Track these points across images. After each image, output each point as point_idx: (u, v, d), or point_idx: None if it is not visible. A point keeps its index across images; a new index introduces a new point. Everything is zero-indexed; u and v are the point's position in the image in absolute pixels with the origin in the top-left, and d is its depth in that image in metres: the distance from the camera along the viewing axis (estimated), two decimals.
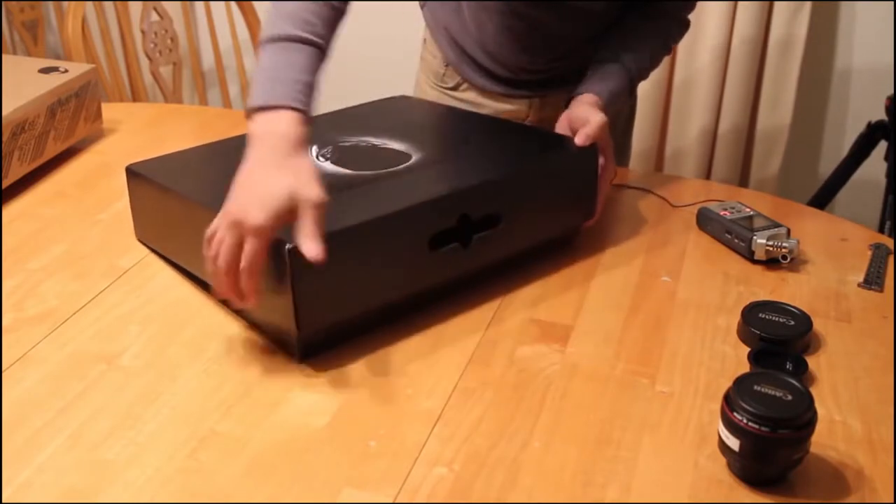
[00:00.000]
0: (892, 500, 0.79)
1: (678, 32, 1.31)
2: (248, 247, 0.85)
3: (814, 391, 0.81)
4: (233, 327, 0.99)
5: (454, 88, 1.44)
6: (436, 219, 0.97)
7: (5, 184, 1.23)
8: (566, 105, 1.20)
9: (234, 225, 0.85)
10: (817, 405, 0.78)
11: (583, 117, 1.12)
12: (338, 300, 0.92)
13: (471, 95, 1.43)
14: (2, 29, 2.58)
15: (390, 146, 1.13)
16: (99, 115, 1.44)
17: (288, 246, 0.86)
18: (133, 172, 1.10)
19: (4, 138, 1.21)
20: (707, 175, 2.28)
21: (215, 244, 0.86)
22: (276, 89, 0.94)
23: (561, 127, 1.17)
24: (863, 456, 0.83)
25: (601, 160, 1.13)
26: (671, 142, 2.29)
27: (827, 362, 0.96)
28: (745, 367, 0.93)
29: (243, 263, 0.85)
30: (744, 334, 0.99)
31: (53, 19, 2.73)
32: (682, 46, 2.18)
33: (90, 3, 2.26)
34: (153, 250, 1.13)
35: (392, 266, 0.95)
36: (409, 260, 0.96)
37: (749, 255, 1.13)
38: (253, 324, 0.99)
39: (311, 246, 0.84)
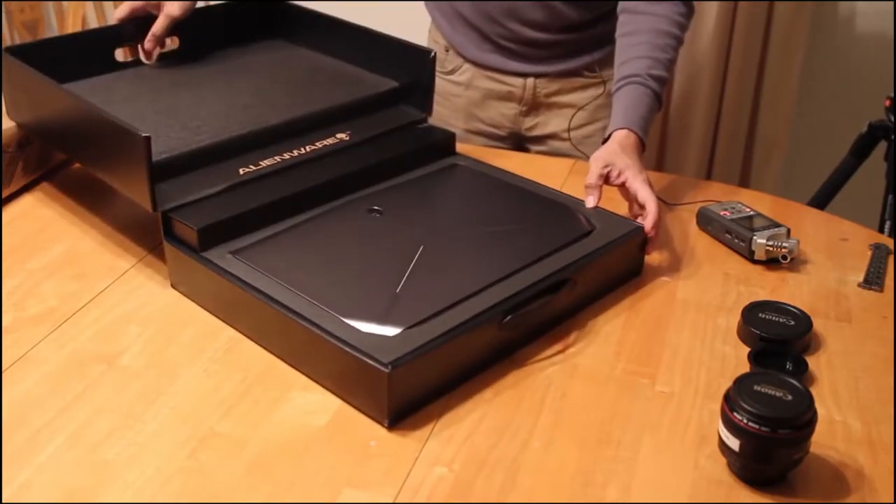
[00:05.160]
0: (892, 501, 0.79)
1: (685, 16, 1.29)
2: None
3: (814, 391, 0.81)
4: (233, 327, 0.99)
5: (451, 73, 1.47)
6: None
7: (6, 193, 1.22)
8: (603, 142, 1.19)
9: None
10: (817, 405, 0.78)
11: (634, 189, 1.12)
12: (421, 385, 0.89)
13: (465, 77, 1.46)
14: (2, 29, 2.58)
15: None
16: None
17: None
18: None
19: (12, 150, 1.21)
20: (707, 175, 2.28)
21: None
22: None
23: (597, 163, 1.14)
24: (863, 456, 0.83)
25: (651, 211, 1.10)
26: (671, 142, 2.29)
27: (827, 362, 0.96)
28: (745, 367, 0.93)
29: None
30: (744, 334, 0.99)
31: (53, 19, 2.73)
32: (683, 46, 2.18)
33: (90, 2, 2.27)
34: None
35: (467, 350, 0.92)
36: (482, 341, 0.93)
37: (749, 255, 1.12)
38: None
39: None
